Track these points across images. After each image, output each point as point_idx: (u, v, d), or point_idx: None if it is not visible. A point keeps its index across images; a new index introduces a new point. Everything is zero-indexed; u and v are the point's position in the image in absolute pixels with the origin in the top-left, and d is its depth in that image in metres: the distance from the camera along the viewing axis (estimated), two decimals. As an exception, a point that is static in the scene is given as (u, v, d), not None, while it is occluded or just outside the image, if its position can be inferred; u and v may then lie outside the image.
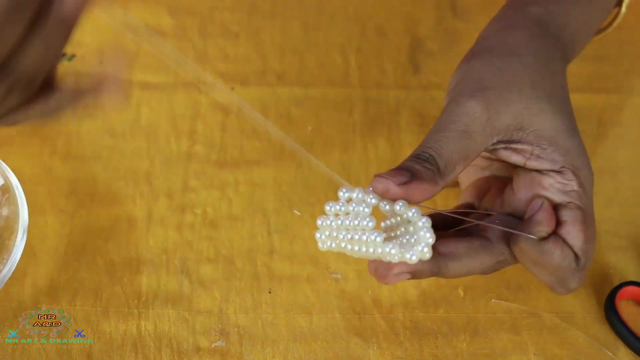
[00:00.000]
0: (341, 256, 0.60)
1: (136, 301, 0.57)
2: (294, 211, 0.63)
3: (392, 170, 0.49)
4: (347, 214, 0.49)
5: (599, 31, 0.67)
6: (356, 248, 0.49)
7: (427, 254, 0.48)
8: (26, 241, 0.56)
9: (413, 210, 0.48)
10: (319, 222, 0.50)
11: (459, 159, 0.51)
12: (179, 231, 0.61)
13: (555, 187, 0.52)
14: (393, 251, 0.48)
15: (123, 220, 0.61)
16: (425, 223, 0.48)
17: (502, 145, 0.53)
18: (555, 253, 0.50)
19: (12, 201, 0.57)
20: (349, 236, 0.49)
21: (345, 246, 0.49)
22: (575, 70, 0.63)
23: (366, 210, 0.48)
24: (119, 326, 0.56)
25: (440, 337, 0.57)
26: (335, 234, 0.50)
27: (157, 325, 0.56)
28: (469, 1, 0.78)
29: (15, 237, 0.56)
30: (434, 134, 0.51)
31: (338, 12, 0.77)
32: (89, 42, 0.72)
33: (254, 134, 0.67)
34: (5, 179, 0.57)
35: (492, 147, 0.53)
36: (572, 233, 0.51)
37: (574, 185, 0.52)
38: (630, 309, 0.58)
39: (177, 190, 0.63)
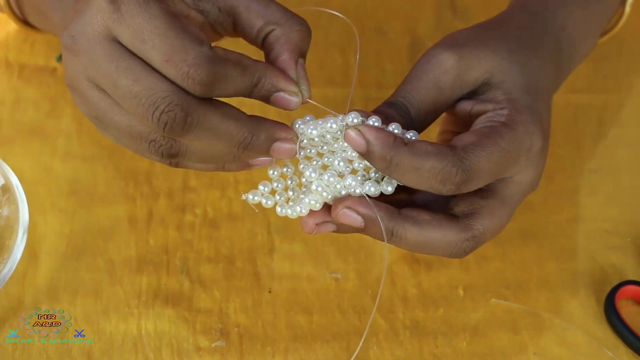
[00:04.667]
0: (341, 256, 0.60)
1: (136, 301, 0.57)
2: (294, 211, 0.63)
3: (366, 113, 0.50)
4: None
5: (604, 33, 0.67)
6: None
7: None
8: (26, 241, 0.56)
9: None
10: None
11: (428, 110, 0.51)
12: (179, 231, 0.61)
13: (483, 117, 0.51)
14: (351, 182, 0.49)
15: (123, 220, 0.61)
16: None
17: (466, 97, 0.53)
18: (426, 148, 0.48)
19: (12, 201, 0.57)
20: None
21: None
22: (575, 70, 0.63)
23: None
24: (119, 326, 0.56)
25: (440, 337, 0.57)
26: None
27: (157, 325, 0.56)
28: (468, 1, 0.78)
29: (16, 237, 0.56)
30: (406, 84, 0.52)
31: (338, 12, 0.77)
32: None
33: (254, 134, 0.67)
34: (6, 178, 0.58)
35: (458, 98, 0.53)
36: (464, 138, 0.50)
37: (503, 112, 0.51)
38: (630, 308, 0.58)
39: (177, 190, 0.63)
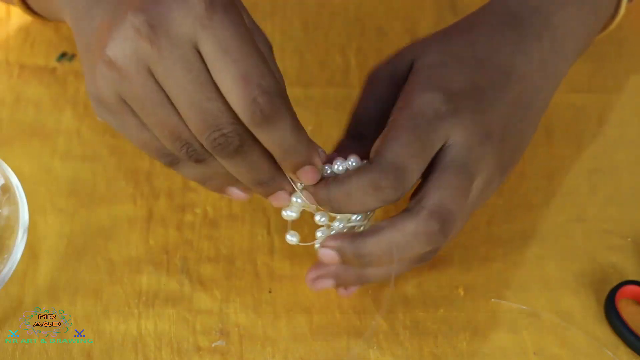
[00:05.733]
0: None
1: (136, 301, 0.57)
2: (294, 211, 0.63)
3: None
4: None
5: (603, 28, 0.66)
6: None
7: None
8: (26, 241, 0.56)
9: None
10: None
11: (379, 119, 0.54)
12: (179, 231, 0.61)
13: None
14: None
15: (123, 220, 0.61)
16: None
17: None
18: (348, 173, 0.51)
19: (12, 201, 0.57)
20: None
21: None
22: (575, 70, 0.63)
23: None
24: (119, 326, 0.56)
25: (440, 337, 0.57)
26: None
27: (157, 325, 0.56)
28: (468, 1, 0.78)
29: (15, 237, 0.56)
30: (355, 107, 0.56)
31: (338, 12, 0.77)
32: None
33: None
34: (6, 178, 0.57)
35: None
36: (373, 147, 0.52)
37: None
38: (630, 308, 0.58)
39: (177, 189, 0.63)
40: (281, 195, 0.52)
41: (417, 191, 0.52)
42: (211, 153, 0.49)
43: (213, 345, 0.56)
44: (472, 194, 0.52)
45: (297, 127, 0.49)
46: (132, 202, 0.62)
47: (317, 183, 0.51)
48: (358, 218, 0.52)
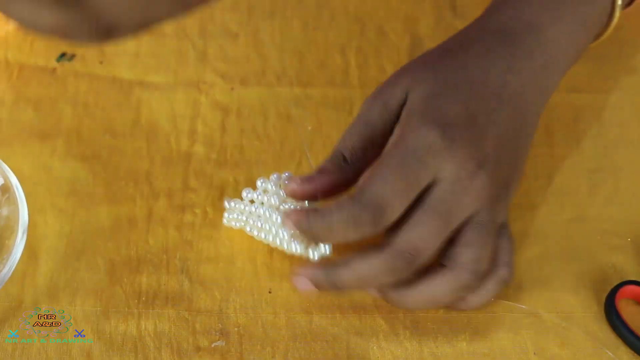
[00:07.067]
0: (341, 256, 0.60)
1: (136, 301, 0.57)
2: (294, 211, 0.63)
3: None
4: (262, 203, 0.56)
5: (597, 37, 0.66)
6: (263, 236, 0.57)
7: (327, 251, 0.54)
8: (26, 241, 0.56)
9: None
10: (226, 204, 0.58)
11: (362, 146, 0.54)
12: (179, 231, 0.61)
13: None
14: (297, 249, 0.55)
15: (123, 220, 0.61)
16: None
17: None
18: (329, 206, 0.52)
19: (12, 201, 0.57)
20: (258, 224, 0.57)
21: (251, 231, 0.57)
22: (575, 70, 0.63)
23: (275, 202, 0.55)
24: (119, 326, 0.56)
25: (440, 337, 0.57)
26: (244, 218, 0.58)
27: (157, 325, 0.56)
28: (468, 1, 0.78)
29: (15, 237, 0.56)
30: (343, 133, 0.56)
31: (338, 12, 0.77)
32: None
33: (254, 134, 0.67)
34: (5, 178, 0.57)
35: None
36: (359, 181, 0.55)
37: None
38: (631, 309, 0.58)
39: (177, 190, 0.63)
40: None
41: (395, 226, 0.52)
42: None
43: (213, 345, 0.56)
44: (479, 221, 0.53)
45: None
46: (132, 202, 0.62)
47: (299, 213, 0.53)
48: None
